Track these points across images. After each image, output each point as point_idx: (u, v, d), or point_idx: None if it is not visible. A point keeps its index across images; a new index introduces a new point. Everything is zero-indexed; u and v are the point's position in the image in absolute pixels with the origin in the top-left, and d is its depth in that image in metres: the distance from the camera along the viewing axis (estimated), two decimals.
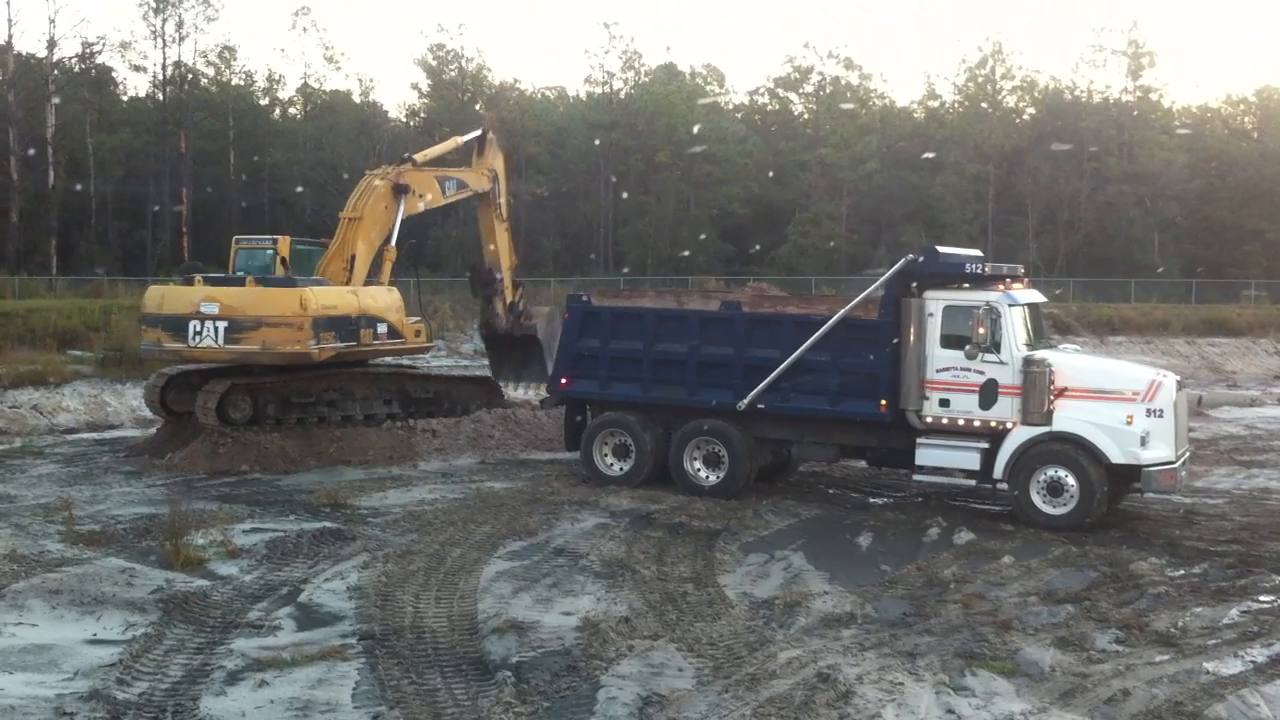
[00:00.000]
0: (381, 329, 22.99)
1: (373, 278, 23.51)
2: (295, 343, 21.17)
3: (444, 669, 10.79)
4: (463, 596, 13.06)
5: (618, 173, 71.40)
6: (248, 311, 21.25)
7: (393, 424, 23.12)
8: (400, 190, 23.62)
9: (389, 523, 16.65)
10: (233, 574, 13.87)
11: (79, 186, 59.68)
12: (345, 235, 23.21)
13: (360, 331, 22.38)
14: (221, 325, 21.25)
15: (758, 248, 68.03)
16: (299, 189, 60.01)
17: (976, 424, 17.60)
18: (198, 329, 21.37)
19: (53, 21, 59.13)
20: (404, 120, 77.66)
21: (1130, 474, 16.99)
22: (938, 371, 17.81)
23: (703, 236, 66.60)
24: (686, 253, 64.91)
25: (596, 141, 69.36)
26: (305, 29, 75.31)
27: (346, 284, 22.69)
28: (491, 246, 26.17)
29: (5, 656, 10.83)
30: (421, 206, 24.46)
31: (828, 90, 75.64)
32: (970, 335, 17.45)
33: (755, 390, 18.67)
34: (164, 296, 22.26)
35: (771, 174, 72.18)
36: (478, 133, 26.55)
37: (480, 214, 26.65)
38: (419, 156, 24.92)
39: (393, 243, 23.79)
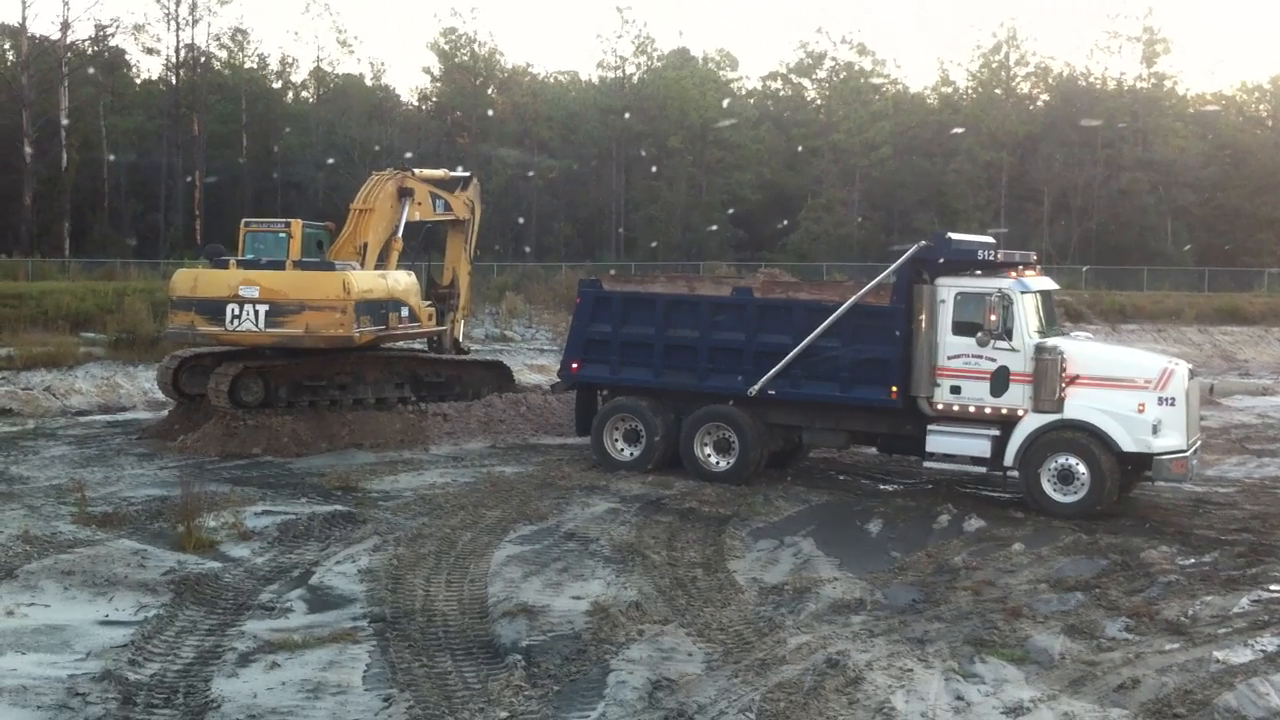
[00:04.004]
0: (404, 312, 23.12)
1: (381, 263, 23.69)
2: (339, 326, 21.24)
3: (454, 652, 10.83)
4: (473, 580, 13.10)
5: (630, 158, 71.30)
6: (291, 295, 21.30)
7: (404, 408, 23.16)
8: (405, 193, 24.23)
9: (400, 506, 16.70)
10: (244, 556, 13.93)
11: (104, 165, 59.78)
12: (356, 225, 23.55)
13: (389, 315, 22.50)
14: (262, 309, 21.29)
15: (782, 226, 67.83)
16: (323, 168, 60.05)
17: (988, 411, 17.58)
18: (236, 312, 21.40)
19: (66, 4, 58.86)
20: (416, 104, 77.63)
21: (1141, 462, 16.98)
22: (949, 358, 17.78)
23: (714, 228, 66.48)
24: (713, 228, 64.84)
25: (627, 117, 69.16)
26: (318, 14, 75.34)
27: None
28: (452, 270, 26.64)
29: (18, 637, 10.90)
30: (418, 215, 24.89)
31: (840, 76, 75.42)
32: (982, 322, 17.42)
33: (766, 376, 18.67)
34: (197, 279, 22.23)
35: (798, 149, 71.99)
36: (466, 174, 27.43)
37: (450, 238, 27.14)
38: (417, 171, 25.55)
39: (399, 234, 24.13)
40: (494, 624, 11.64)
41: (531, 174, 66.31)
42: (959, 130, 68.36)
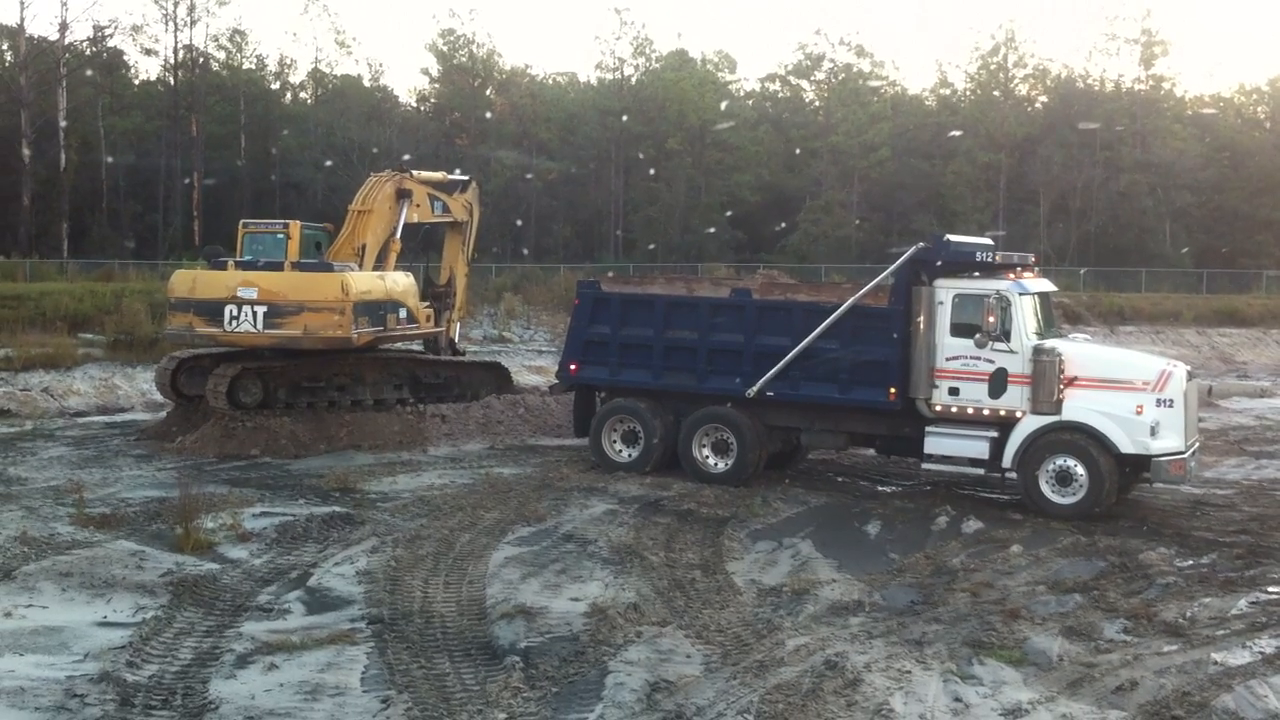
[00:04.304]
0: (403, 313, 23.14)
1: (379, 264, 23.71)
2: (337, 328, 21.25)
3: (453, 654, 10.83)
4: (471, 581, 13.10)
5: (629, 159, 71.32)
6: (289, 296, 21.31)
7: (402, 409, 23.15)
8: (403, 195, 24.28)
9: (398, 507, 16.69)
10: (242, 558, 13.92)
11: (102, 166, 59.79)
12: (355, 226, 23.60)
13: (387, 316, 22.51)
14: (261, 310, 21.31)
15: (780, 228, 67.84)
16: (321, 169, 60.12)
17: (986, 413, 17.58)
18: (234, 314, 21.42)
19: (65, 5, 58.87)
20: (415, 106, 77.65)
21: (1139, 464, 16.99)
22: (947, 360, 17.79)
23: (713, 229, 66.52)
24: (712, 230, 64.86)
25: (625, 119, 69.12)
26: (317, 15, 75.42)
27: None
28: (449, 270, 26.67)
29: (16, 638, 10.89)
30: (416, 217, 24.93)
31: (839, 78, 75.45)
32: (980, 324, 17.41)
33: (765, 378, 18.67)
34: (195, 281, 22.24)
35: (797, 151, 72.02)
36: (465, 178, 27.50)
37: (448, 239, 27.23)
38: (415, 173, 25.58)
39: (397, 236, 24.16)
40: (492, 625, 11.64)
41: (530, 175, 66.34)
42: (957, 133, 68.39)
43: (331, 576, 13.27)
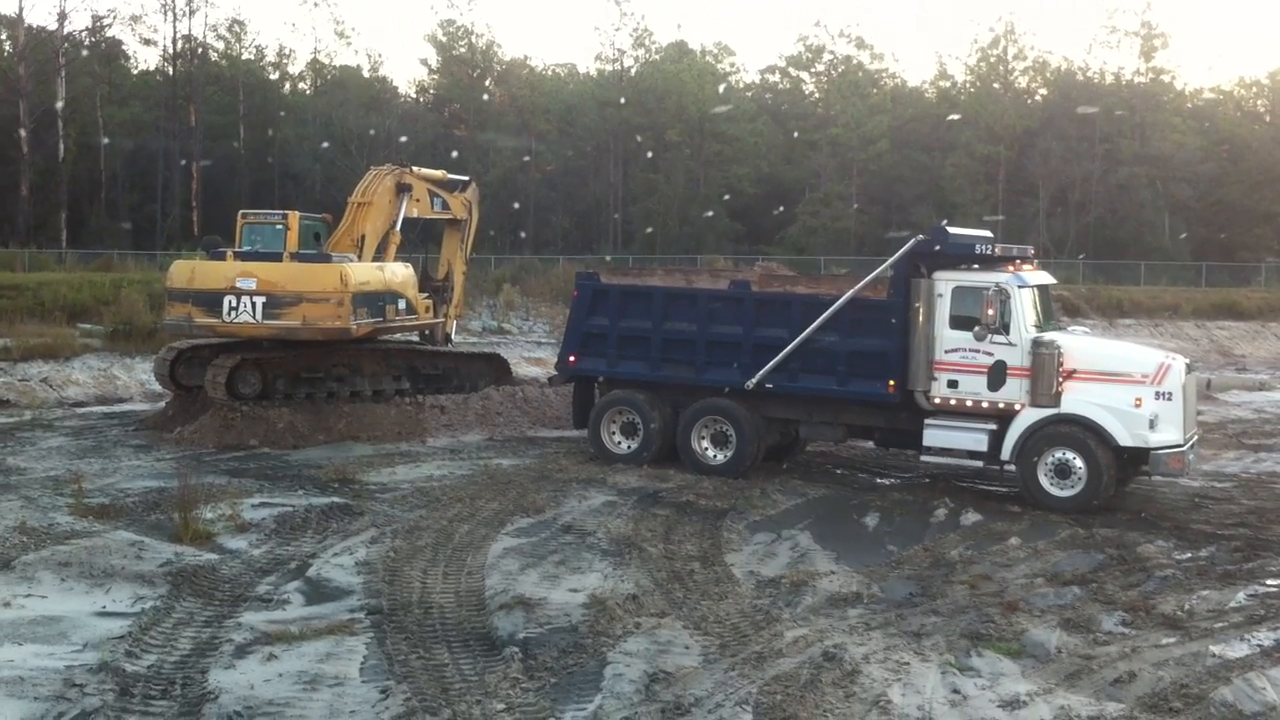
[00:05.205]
0: (401, 304, 23.13)
1: (379, 255, 23.68)
2: (336, 318, 21.24)
3: (451, 644, 10.83)
4: (470, 572, 13.11)
5: (627, 151, 71.27)
6: (288, 287, 21.29)
7: (401, 400, 23.16)
8: (403, 189, 24.23)
9: (397, 498, 16.70)
10: (241, 548, 13.92)
11: (101, 156, 59.74)
12: (355, 218, 23.54)
13: (386, 307, 22.52)
14: (260, 300, 21.30)
15: (779, 214, 67.80)
16: (320, 159, 60.07)
17: (985, 405, 17.58)
18: (233, 304, 21.41)
19: None
20: (414, 97, 77.57)
21: (1138, 457, 16.98)
22: (946, 352, 17.78)
23: (710, 214, 66.47)
24: (709, 214, 64.84)
25: (623, 102, 69.02)
26: (316, 3, 75.33)
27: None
28: (447, 264, 26.70)
29: (15, 628, 10.89)
30: (415, 212, 24.91)
31: (839, 70, 75.39)
32: (979, 316, 17.40)
33: (763, 370, 18.66)
34: (194, 271, 22.23)
35: (795, 137, 72.00)
36: (465, 178, 27.54)
37: (447, 235, 27.20)
38: (416, 169, 25.57)
39: (397, 228, 24.14)
40: (491, 616, 11.65)
41: (528, 159, 66.24)
42: (956, 117, 68.24)
43: (330, 567, 13.27)
